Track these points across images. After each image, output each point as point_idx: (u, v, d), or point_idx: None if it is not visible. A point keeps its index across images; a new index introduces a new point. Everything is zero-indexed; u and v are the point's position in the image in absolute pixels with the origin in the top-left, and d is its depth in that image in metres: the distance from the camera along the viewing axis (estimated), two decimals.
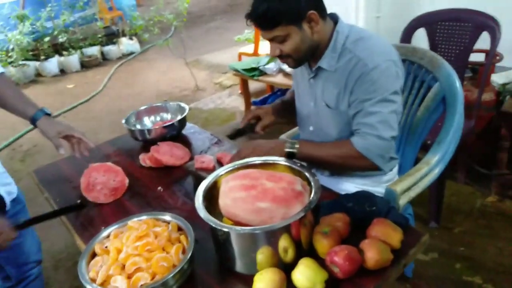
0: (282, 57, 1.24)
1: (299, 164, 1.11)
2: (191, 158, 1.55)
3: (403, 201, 1.34)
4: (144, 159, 1.55)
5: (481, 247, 1.92)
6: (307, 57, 1.26)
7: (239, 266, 0.99)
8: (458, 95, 1.44)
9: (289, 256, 0.96)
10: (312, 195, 0.97)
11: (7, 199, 1.35)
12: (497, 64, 2.07)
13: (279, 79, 2.99)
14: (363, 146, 1.19)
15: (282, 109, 1.50)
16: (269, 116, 1.44)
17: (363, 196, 1.13)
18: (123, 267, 0.94)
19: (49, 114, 1.37)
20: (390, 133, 1.19)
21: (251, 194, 0.94)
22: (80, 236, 1.21)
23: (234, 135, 1.43)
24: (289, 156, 1.20)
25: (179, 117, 1.74)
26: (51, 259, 2.25)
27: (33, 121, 1.34)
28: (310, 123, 1.42)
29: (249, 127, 1.42)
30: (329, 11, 1.25)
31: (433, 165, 1.42)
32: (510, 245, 1.91)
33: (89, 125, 4.06)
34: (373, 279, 0.93)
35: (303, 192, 0.96)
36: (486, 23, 1.92)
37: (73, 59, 5.88)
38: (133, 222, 1.05)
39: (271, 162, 1.13)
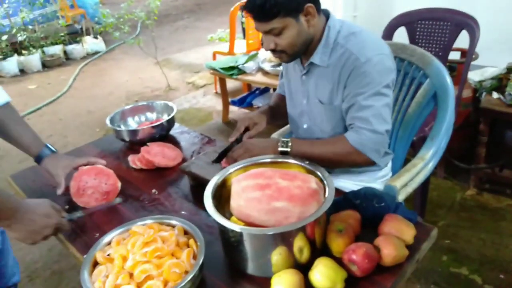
0: (276, 51, 1.21)
1: (307, 162, 1.08)
2: (184, 159, 1.49)
3: (401, 196, 1.35)
4: (134, 161, 1.47)
5: (465, 239, 1.98)
6: (301, 51, 1.24)
7: (252, 268, 0.95)
8: (449, 91, 1.47)
9: (305, 256, 0.93)
10: (327, 193, 0.95)
11: None
12: (472, 63, 2.14)
13: (259, 78, 2.97)
14: (358, 141, 1.18)
15: (271, 115, 1.47)
16: (259, 125, 1.37)
17: (370, 193, 1.12)
18: (131, 275, 0.88)
19: (54, 151, 1.34)
20: (384, 126, 1.19)
21: (266, 193, 0.90)
22: (72, 244, 1.13)
23: (220, 158, 1.30)
24: (283, 155, 1.17)
25: (166, 117, 1.67)
26: (25, 269, 2.10)
27: (38, 159, 1.31)
28: (304, 121, 1.41)
29: (236, 142, 1.32)
30: None
31: (428, 160, 1.44)
32: (491, 236, 1.98)
33: (56, 128, 3.85)
34: (391, 276, 0.92)
35: (318, 190, 0.94)
36: (466, 22, 1.99)
37: (33, 59, 5.57)
38: (138, 227, 0.99)
39: (280, 161, 1.10)
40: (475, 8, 2.18)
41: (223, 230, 0.95)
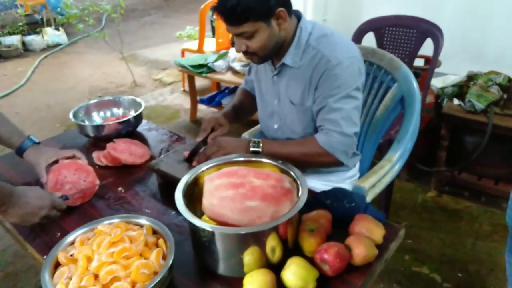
0: (248, 53, 1.21)
1: (280, 162, 1.08)
2: (152, 157, 1.45)
3: (369, 197, 1.38)
4: (99, 157, 1.40)
5: (426, 239, 2.05)
6: (272, 54, 1.24)
7: (224, 268, 0.93)
8: (415, 95, 1.51)
9: (277, 256, 0.93)
10: (300, 193, 0.95)
11: None
12: (435, 70, 2.23)
13: (228, 77, 2.94)
14: (327, 143, 1.20)
15: (235, 116, 1.46)
16: (224, 127, 1.36)
17: (340, 193, 1.13)
18: (96, 277, 0.84)
19: (38, 143, 1.29)
20: (353, 129, 1.21)
21: (239, 192, 0.89)
22: (31, 244, 1.06)
23: (190, 158, 1.28)
24: (255, 153, 1.17)
25: (133, 113, 1.62)
26: None
27: (20, 151, 1.26)
28: (274, 121, 1.41)
29: (202, 143, 1.30)
30: None
31: (394, 162, 1.48)
32: (451, 236, 2.07)
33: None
34: (361, 275, 0.93)
35: (292, 189, 0.94)
36: (431, 30, 2.06)
37: None
38: (104, 226, 0.94)
39: (254, 160, 1.09)
40: (439, 16, 2.27)
41: (194, 229, 0.92)
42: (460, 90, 2.25)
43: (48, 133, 3.32)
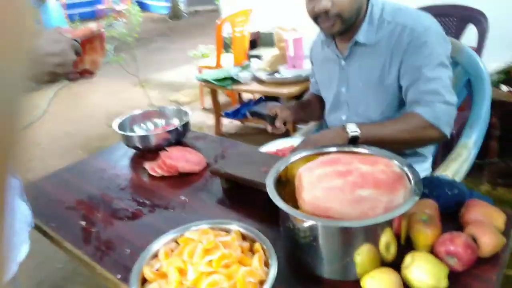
0: (330, 15, 1.09)
1: (376, 149, 0.96)
2: (208, 164, 1.34)
3: None
4: (153, 168, 1.29)
5: None
6: (352, 22, 1.13)
7: (331, 271, 0.80)
8: (484, 77, 1.40)
9: (391, 253, 0.80)
10: (412, 177, 0.83)
11: None
12: None
13: (255, 87, 2.86)
14: (433, 115, 1.07)
15: (301, 109, 1.38)
16: (286, 111, 1.28)
17: (438, 181, 1.01)
18: None
19: None
20: (454, 97, 1.10)
21: (348, 180, 0.77)
22: (99, 264, 0.94)
23: (258, 115, 1.30)
24: (352, 140, 1.04)
25: (177, 122, 1.52)
26: None
27: None
28: (342, 112, 1.30)
29: (270, 118, 1.27)
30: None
31: (471, 148, 1.35)
32: None
33: (35, 153, 3.57)
34: (492, 267, 0.80)
35: (403, 174, 0.82)
36: (474, 16, 1.97)
37: None
38: (191, 232, 0.82)
39: (347, 150, 0.97)
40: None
41: (293, 227, 0.80)
42: (507, 75, 2.14)
43: (71, 159, 3.23)
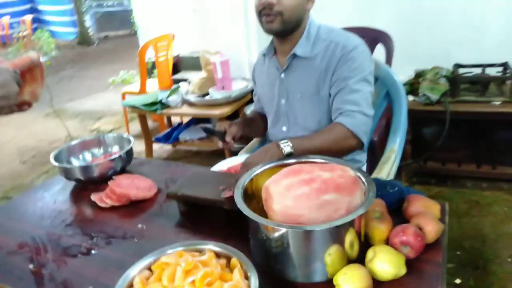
0: (273, 11, 1.19)
1: (328, 158, 1.05)
2: (159, 189, 1.32)
3: None
4: (101, 199, 1.24)
5: None
6: (291, 27, 1.24)
7: (304, 275, 0.85)
8: (400, 88, 1.61)
9: (355, 250, 0.88)
10: (365, 180, 0.92)
11: None
12: None
13: (185, 110, 2.86)
14: (353, 124, 1.19)
15: (246, 125, 1.42)
16: (234, 127, 1.32)
17: (378, 182, 1.12)
18: None
19: None
20: (371, 111, 1.24)
21: (313, 187, 0.84)
22: None
23: (209, 132, 1.34)
24: (288, 156, 1.11)
25: (117, 150, 1.48)
26: None
27: None
28: (282, 123, 1.40)
29: (220, 134, 1.30)
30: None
31: (397, 151, 1.53)
32: None
33: None
34: (436, 251, 0.92)
35: (357, 177, 0.91)
36: (381, 37, 2.24)
37: None
38: (167, 257, 0.81)
39: (304, 160, 1.04)
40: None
41: (265, 238, 0.84)
42: (412, 87, 2.45)
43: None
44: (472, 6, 2.60)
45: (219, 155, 3.06)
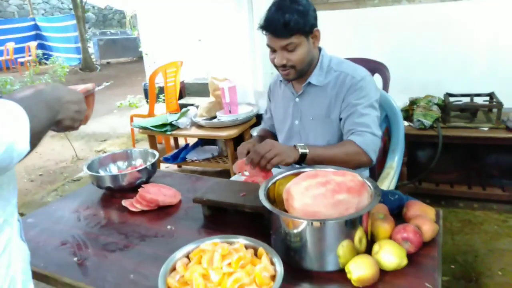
0: (287, 67, 1.38)
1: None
2: (183, 197, 1.46)
3: None
4: (132, 204, 1.38)
5: None
6: (305, 70, 1.42)
7: (319, 265, 0.99)
8: (397, 111, 1.79)
9: (363, 245, 1.02)
10: (370, 184, 1.08)
11: None
12: None
13: (194, 132, 3.02)
14: (363, 142, 1.34)
15: (260, 141, 1.57)
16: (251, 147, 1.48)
17: (381, 191, 1.28)
18: None
19: None
20: (379, 132, 1.41)
21: (329, 188, 0.99)
22: None
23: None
24: (302, 157, 1.26)
25: (140, 163, 1.63)
26: None
27: None
28: (295, 141, 1.55)
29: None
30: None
31: (395, 168, 1.69)
32: None
33: None
34: (433, 248, 1.07)
35: (365, 182, 1.06)
36: (378, 67, 2.45)
37: None
38: (206, 244, 0.95)
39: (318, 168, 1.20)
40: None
41: (285, 232, 0.98)
42: (407, 113, 2.64)
43: None
44: (460, 41, 2.85)
45: (224, 174, 3.21)
